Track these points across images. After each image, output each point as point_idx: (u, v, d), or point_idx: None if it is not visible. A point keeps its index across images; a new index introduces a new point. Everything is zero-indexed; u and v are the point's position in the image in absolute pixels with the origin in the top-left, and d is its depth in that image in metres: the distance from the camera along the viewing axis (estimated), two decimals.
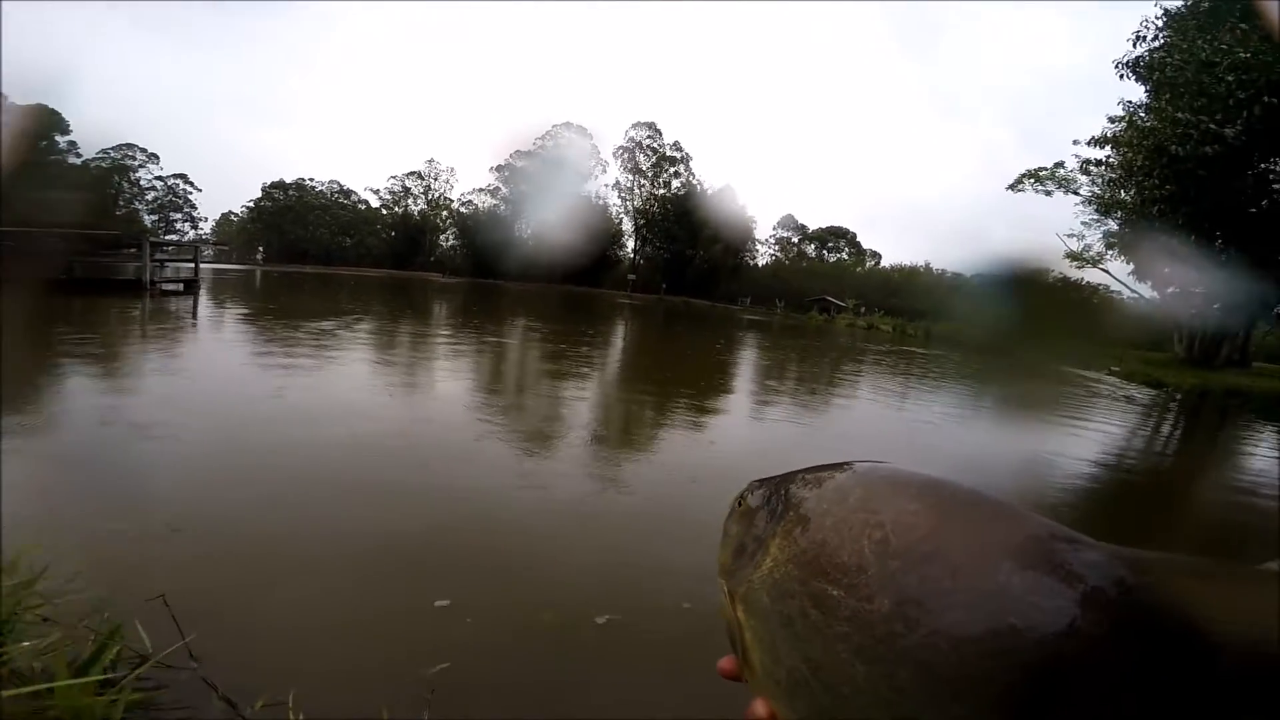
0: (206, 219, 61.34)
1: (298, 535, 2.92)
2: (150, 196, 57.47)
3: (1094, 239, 28.43)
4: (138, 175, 56.75)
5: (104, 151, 53.71)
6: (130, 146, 55.91)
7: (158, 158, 57.32)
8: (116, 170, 54.75)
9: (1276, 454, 8.05)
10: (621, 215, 55.97)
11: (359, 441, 4.42)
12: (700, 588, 2.76)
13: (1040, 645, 0.40)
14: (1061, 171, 30.14)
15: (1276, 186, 18.60)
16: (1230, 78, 16.24)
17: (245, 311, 14.64)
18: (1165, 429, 10.06)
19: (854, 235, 61.79)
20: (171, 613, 1.76)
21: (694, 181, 55.97)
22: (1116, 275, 33.93)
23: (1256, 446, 8.90)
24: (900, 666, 0.45)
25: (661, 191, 55.55)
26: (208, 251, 40.98)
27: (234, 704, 1.52)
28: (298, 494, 3.40)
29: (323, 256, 57.94)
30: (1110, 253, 27.03)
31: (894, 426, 7.47)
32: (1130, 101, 22.02)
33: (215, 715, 1.59)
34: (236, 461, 3.88)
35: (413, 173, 62.92)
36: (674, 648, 2.34)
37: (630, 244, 56.55)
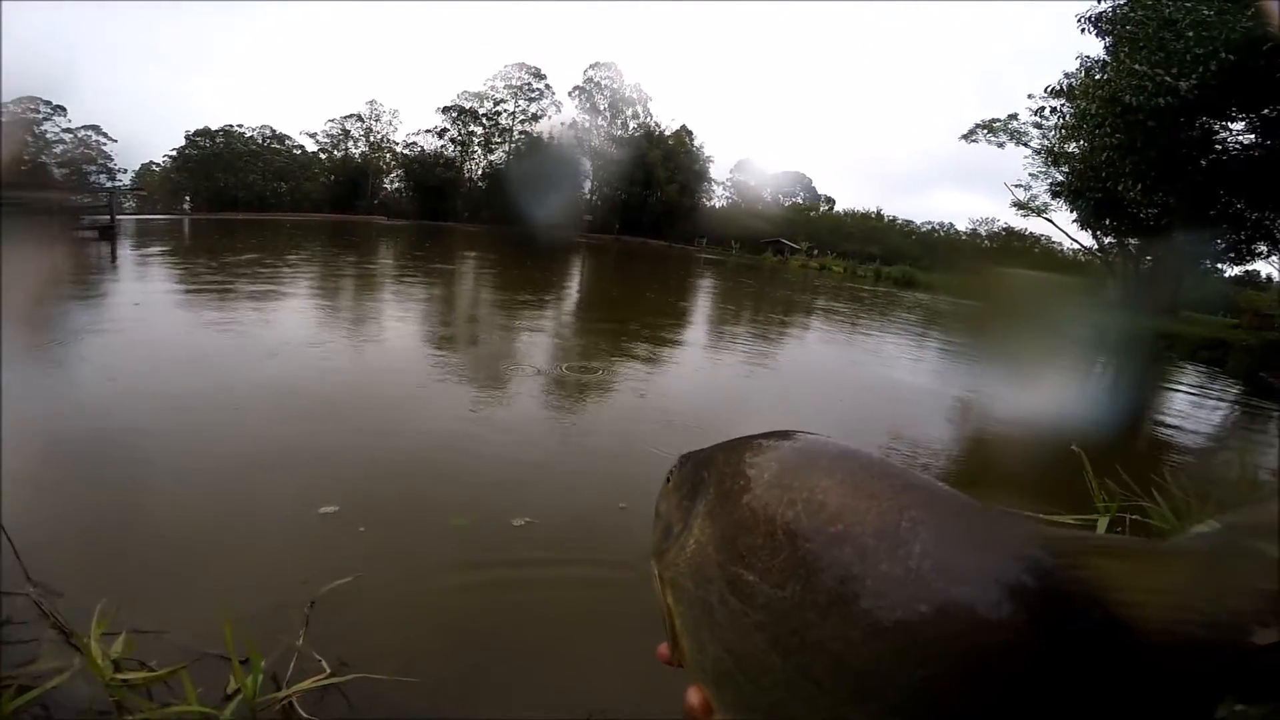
0: (126, 170, 56.88)
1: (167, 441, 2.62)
2: (59, 150, 52.97)
3: (1040, 189, 29.31)
4: (43, 129, 52.00)
5: (3, 106, 49.18)
6: (32, 99, 51.07)
7: (64, 110, 52.44)
8: (19, 124, 50.16)
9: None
10: (578, 156, 54.31)
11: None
12: (642, 487, 2.59)
13: (954, 635, 0.39)
14: (1014, 123, 30.74)
15: (1218, 146, 19.28)
16: (1190, 34, 16.48)
17: (155, 252, 13.69)
18: (1100, 366, 10.55)
19: (809, 180, 61.97)
20: (4, 529, 1.46)
21: (652, 123, 54.63)
22: (1059, 225, 35.43)
23: (1179, 383, 9.35)
24: (815, 658, 0.43)
25: (619, 133, 54.03)
26: (127, 203, 38.11)
27: (67, 631, 1.26)
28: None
29: (256, 203, 54.65)
30: (1055, 202, 27.85)
31: (843, 354, 7.46)
32: (1088, 56, 22.32)
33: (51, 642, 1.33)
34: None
35: (352, 115, 59.29)
36: (602, 546, 2.14)
37: (587, 185, 55.14)
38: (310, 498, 2.17)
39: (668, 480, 0.68)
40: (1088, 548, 0.40)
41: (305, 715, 1.23)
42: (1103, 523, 1.51)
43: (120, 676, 1.13)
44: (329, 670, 1.32)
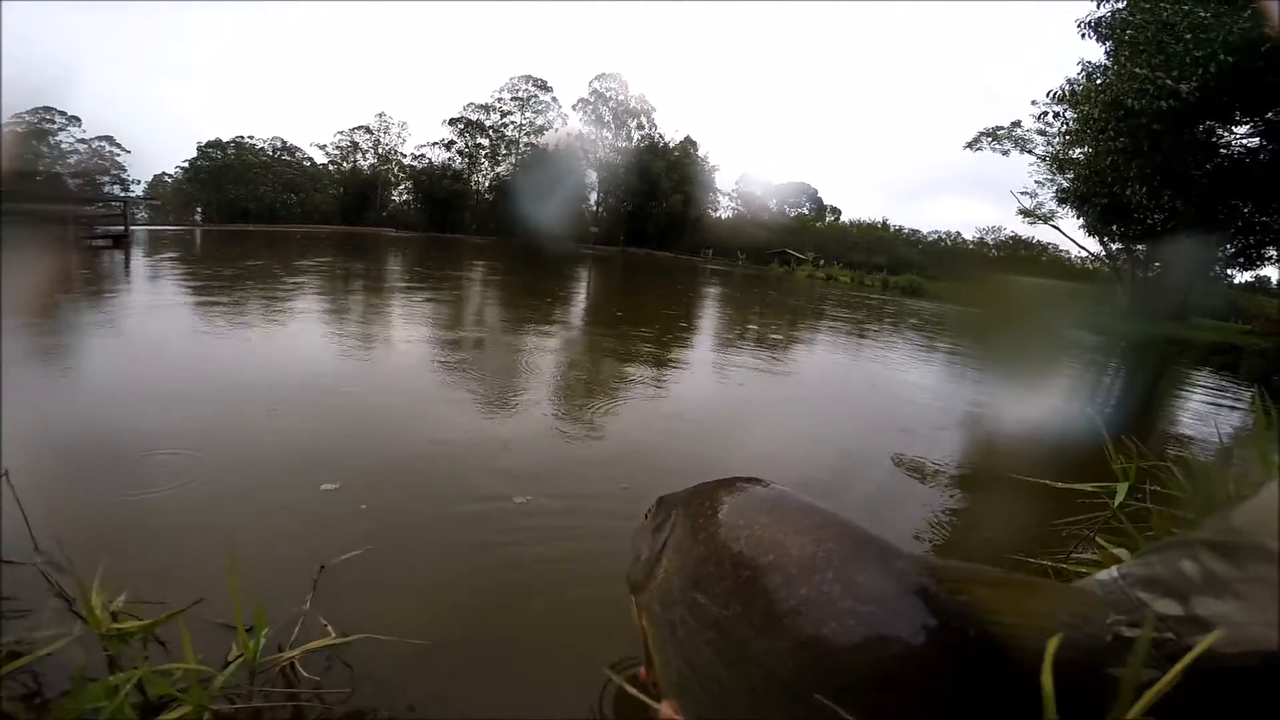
0: (139, 181, 57.65)
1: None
2: (73, 160, 53.66)
3: (1047, 196, 29.33)
4: (57, 139, 52.91)
5: (18, 116, 49.84)
6: (48, 110, 51.97)
7: (79, 120, 53.41)
8: (34, 135, 50.98)
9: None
10: (584, 168, 54.58)
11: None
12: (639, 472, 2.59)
13: (859, 648, 0.47)
14: (1018, 131, 30.85)
15: (1223, 151, 19.28)
16: (1189, 36, 16.53)
17: (168, 260, 13.81)
18: (1113, 367, 10.47)
19: (815, 191, 62.16)
20: (15, 494, 1.48)
21: (656, 134, 54.94)
22: (1066, 232, 35.56)
23: (1192, 386, 9.25)
24: (752, 668, 0.52)
25: (624, 144, 54.31)
26: (140, 213, 38.53)
27: (70, 599, 1.27)
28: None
29: (266, 215, 55.14)
30: (1062, 209, 27.85)
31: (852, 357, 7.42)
32: (1089, 62, 22.41)
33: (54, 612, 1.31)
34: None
35: (360, 127, 59.91)
36: (603, 518, 2.14)
37: (593, 197, 55.35)
38: (313, 478, 2.20)
39: (645, 518, 0.83)
40: (966, 576, 0.50)
41: (307, 675, 1.22)
42: (1121, 489, 1.51)
43: (117, 626, 1.12)
44: (334, 634, 1.31)
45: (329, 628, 1.31)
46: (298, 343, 4.93)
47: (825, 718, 0.46)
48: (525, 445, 2.87)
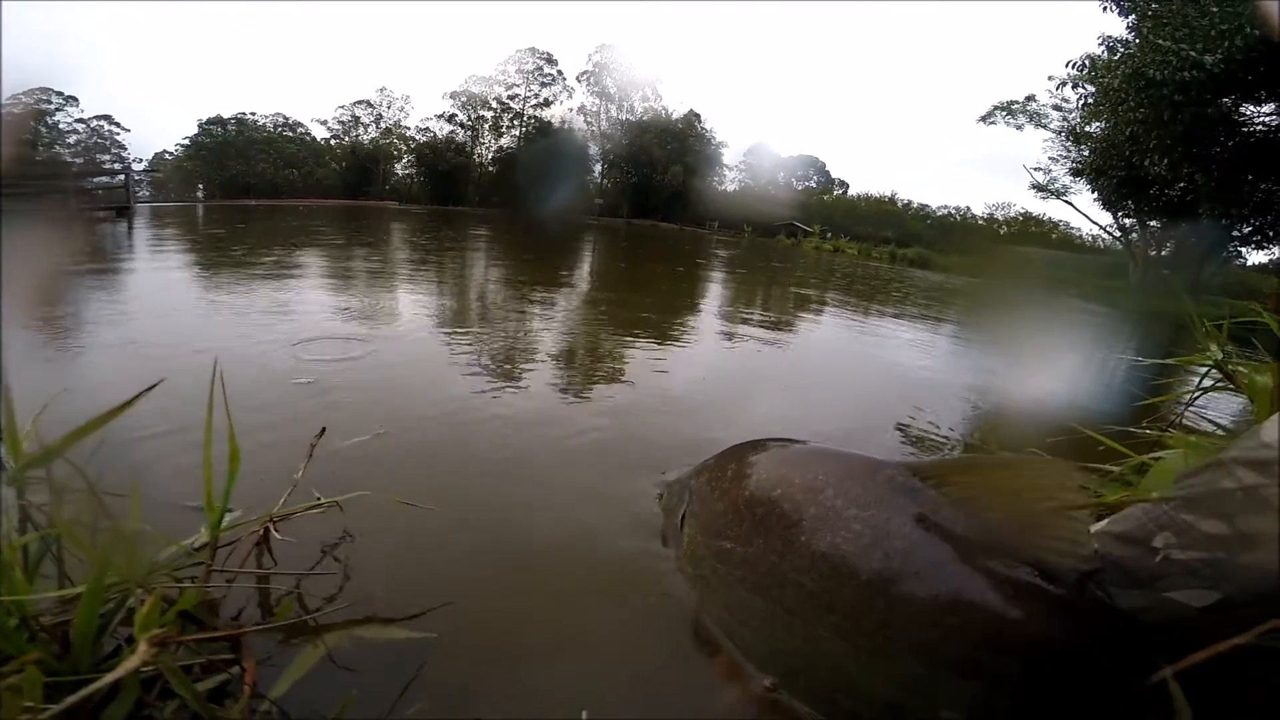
0: (140, 160, 56.97)
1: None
2: (72, 140, 53.05)
3: (1060, 171, 28.73)
4: (55, 119, 52.15)
5: (15, 97, 49.22)
6: (45, 90, 51.22)
7: (77, 100, 52.49)
8: (32, 115, 50.48)
9: None
10: (587, 140, 53.87)
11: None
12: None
13: (868, 549, 0.53)
14: (1033, 105, 30.00)
15: (1245, 129, 18.77)
16: (1215, 9, 16.13)
17: (171, 231, 13.71)
18: (1126, 333, 10.36)
19: (823, 164, 61.30)
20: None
21: (660, 106, 54.14)
22: (1079, 208, 34.98)
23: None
24: (784, 591, 0.57)
25: (627, 116, 53.56)
26: (141, 191, 38.28)
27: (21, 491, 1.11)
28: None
29: (268, 190, 54.67)
30: (1076, 182, 27.29)
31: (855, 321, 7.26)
32: (1110, 36, 21.69)
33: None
34: None
35: (361, 101, 59.09)
36: (604, 396, 2.18)
37: (597, 169, 54.71)
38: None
39: (659, 501, 0.92)
40: (945, 468, 0.56)
41: (281, 538, 1.06)
42: (1215, 350, 1.49)
43: (44, 446, 0.81)
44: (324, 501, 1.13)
45: (319, 497, 1.13)
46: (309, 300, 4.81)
47: (852, 622, 0.50)
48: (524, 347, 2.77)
